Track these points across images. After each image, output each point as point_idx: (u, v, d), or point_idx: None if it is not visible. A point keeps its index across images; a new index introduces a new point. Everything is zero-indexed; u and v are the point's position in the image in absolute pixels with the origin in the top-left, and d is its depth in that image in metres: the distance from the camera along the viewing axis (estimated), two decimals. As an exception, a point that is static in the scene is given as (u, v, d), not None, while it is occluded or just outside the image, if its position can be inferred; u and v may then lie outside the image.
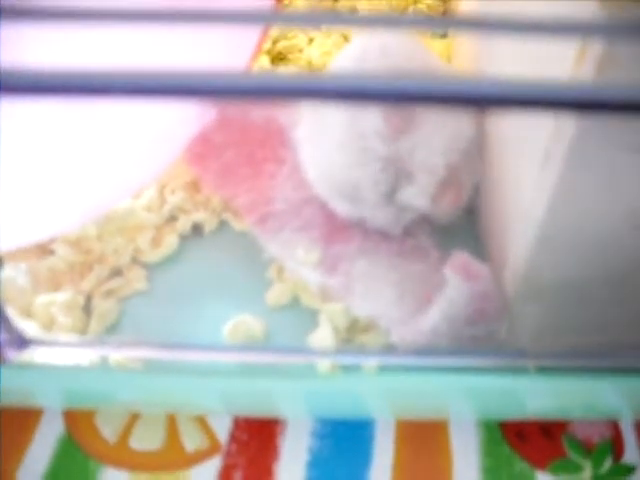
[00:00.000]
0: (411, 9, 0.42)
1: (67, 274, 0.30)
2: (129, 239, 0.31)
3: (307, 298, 0.29)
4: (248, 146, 0.31)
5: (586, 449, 0.28)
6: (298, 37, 0.41)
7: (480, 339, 0.25)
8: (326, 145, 0.28)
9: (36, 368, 0.25)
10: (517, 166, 0.24)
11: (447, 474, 0.27)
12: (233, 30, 0.24)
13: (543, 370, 0.24)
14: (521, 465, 0.28)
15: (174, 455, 0.28)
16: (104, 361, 0.26)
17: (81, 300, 0.29)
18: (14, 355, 0.22)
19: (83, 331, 0.28)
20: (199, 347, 0.23)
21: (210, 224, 0.32)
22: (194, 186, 0.33)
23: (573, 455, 0.28)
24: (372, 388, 0.25)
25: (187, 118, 0.26)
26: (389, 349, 0.26)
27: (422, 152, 0.27)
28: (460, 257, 0.25)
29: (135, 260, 0.31)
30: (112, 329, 0.29)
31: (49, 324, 0.28)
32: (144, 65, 0.12)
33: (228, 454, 0.28)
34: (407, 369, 0.24)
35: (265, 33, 0.28)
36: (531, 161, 0.21)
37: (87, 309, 0.29)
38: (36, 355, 0.24)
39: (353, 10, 0.42)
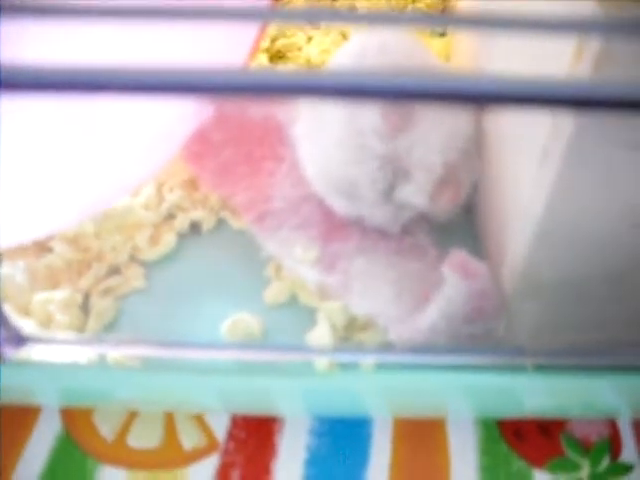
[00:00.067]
0: (410, 7, 0.42)
1: (65, 272, 0.30)
2: (127, 237, 0.31)
3: (305, 296, 0.29)
4: (246, 144, 0.31)
5: (584, 448, 0.28)
6: (297, 35, 0.41)
7: (478, 337, 0.25)
8: (324, 143, 0.28)
9: (34, 366, 0.25)
10: (515, 164, 0.24)
11: (445, 472, 0.27)
12: (231, 28, 0.24)
13: (541, 368, 0.24)
14: (519, 464, 0.28)
15: (172, 453, 0.28)
16: (102, 359, 0.26)
17: (79, 298, 0.29)
18: (11, 353, 0.22)
19: (81, 329, 0.28)
20: (197, 345, 0.23)
21: (208, 222, 0.32)
22: (192, 184, 0.33)
23: (571, 454, 0.28)
24: (370, 386, 0.25)
25: (185, 116, 0.26)
26: (387, 347, 0.26)
27: (420, 150, 0.27)
28: (458, 255, 0.25)
29: (133, 258, 0.31)
30: (110, 327, 0.28)
31: (47, 322, 0.28)
32: (143, 62, 0.12)
33: (226, 452, 0.28)
34: (405, 367, 0.24)
35: (263, 31, 0.27)
36: (529, 159, 0.21)
37: (85, 307, 0.29)
38: (34, 353, 0.24)
39: (352, 8, 0.42)
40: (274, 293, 0.29)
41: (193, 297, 0.29)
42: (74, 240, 0.30)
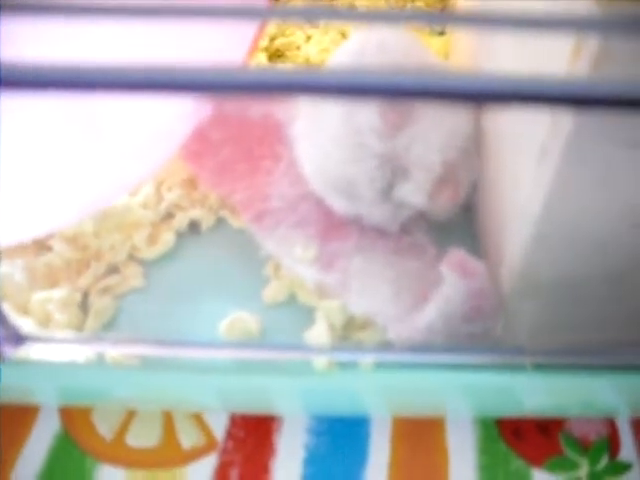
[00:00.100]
0: (409, 6, 0.42)
1: (64, 271, 0.30)
2: (126, 236, 0.31)
3: (304, 295, 0.29)
4: (245, 143, 0.31)
5: (583, 447, 0.28)
6: (296, 34, 0.41)
7: (476, 336, 0.25)
8: (323, 141, 0.28)
9: (33, 365, 0.25)
10: (514, 163, 0.24)
11: (443, 471, 0.27)
12: (230, 26, 0.24)
13: (540, 367, 0.24)
14: (517, 463, 0.28)
15: (170, 452, 0.28)
16: (101, 358, 0.26)
17: (78, 297, 0.29)
18: (10, 352, 0.22)
19: (80, 328, 0.28)
20: (195, 344, 0.23)
21: (207, 221, 0.32)
22: (191, 183, 0.33)
23: (570, 453, 0.28)
24: (368, 385, 0.25)
25: (183, 115, 0.26)
26: (385, 346, 0.26)
27: (419, 149, 0.27)
28: (457, 254, 0.25)
29: (132, 257, 0.31)
30: (109, 326, 0.28)
31: (46, 321, 0.28)
32: (142, 60, 0.12)
33: (224, 451, 0.28)
34: (403, 366, 0.24)
35: (262, 29, 0.27)
36: (528, 158, 0.21)
37: (84, 306, 0.29)
38: (33, 352, 0.24)
39: (351, 7, 0.42)
40: (273, 292, 0.29)
41: (192, 296, 0.29)
42: (73, 239, 0.30)
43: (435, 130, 0.27)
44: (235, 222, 0.31)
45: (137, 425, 0.29)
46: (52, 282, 0.29)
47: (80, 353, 0.26)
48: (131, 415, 0.29)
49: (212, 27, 0.20)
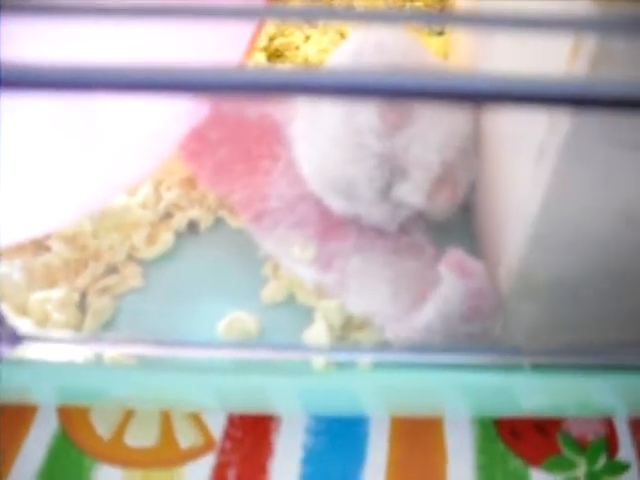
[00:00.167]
0: (408, 6, 0.42)
1: (62, 271, 0.30)
2: (125, 236, 0.31)
3: (302, 295, 0.29)
4: (243, 143, 0.31)
5: (581, 446, 0.28)
6: (295, 34, 0.41)
7: (475, 336, 0.25)
8: (321, 141, 0.28)
9: (31, 365, 0.25)
10: (512, 163, 0.24)
11: (441, 471, 0.27)
12: (226, 26, 0.24)
13: (538, 367, 0.24)
14: (515, 462, 0.28)
15: (168, 452, 0.28)
16: (99, 358, 0.26)
17: (76, 297, 0.29)
18: (8, 352, 0.22)
19: (78, 328, 0.28)
20: (194, 344, 0.23)
21: (206, 221, 0.32)
22: (190, 183, 0.33)
23: (568, 452, 0.28)
24: (366, 385, 0.25)
25: (180, 115, 0.26)
26: (383, 346, 0.26)
27: (417, 149, 0.27)
28: (455, 254, 0.25)
29: (130, 257, 0.31)
30: (107, 326, 0.28)
31: (44, 321, 0.28)
32: (140, 61, 0.12)
33: (222, 451, 0.28)
34: (401, 366, 0.24)
35: (259, 29, 0.27)
36: (526, 158, 0.21)
37: (82, 306, 0.29)
38: (31, 352, 0.24)
39: (350, 7, 0.42)
40: (271, 292, 0.29)
41: (190, 296, 0.29)
42: (71, 239, 0.30)
43: (434, 130, 0.27)
44: (234, 222, 0.31)
45: (135, 425, 0.29)
46: (50, 282, 0.29)
47: (78, 353, 0.26)
48: (129, 415, 0.29)
49: (209, 27, 0.20)
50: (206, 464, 0.28)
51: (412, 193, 0.27)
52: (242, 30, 0.26)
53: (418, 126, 0.27)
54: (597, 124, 0.18)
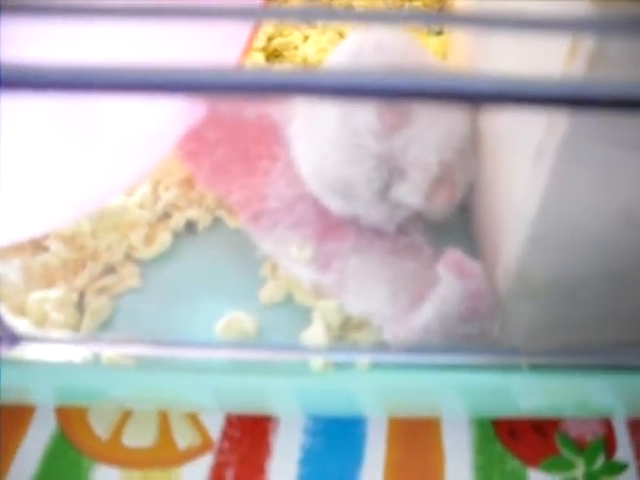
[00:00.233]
0: (407, 6, 0.42)
1: (60, 271, 0.30)
2: (123, 236, 0.31)
3: (300, 295, 0.29)
4: (242, 143, 0.31)
5: (579, 447, 0.28)
6: (293, 34, 0.41)
7: (473, 337, 0.25)
8: (319, 142, 0.28)
9: (29, 365, 0.25)
10: (510, 163, 0.24)
11: (439, 472, 0.27)
12: (224, 26, 0.24)
13: (536, 368, 0.24)
14: (513, 463, 0.28)
15: (166, 452, 0.28)
16: (97, 358, 0.26)
17: (74, 297, 0.29)
18: (6, 352, 0.22)
19: (76, 328, 0.28)
20: (192, 344, 0.23)
21: (204, 221, 0.32)
22: (188, 183, 0.33)
23: (566, 453, 0.28)
24: (364, 386, 0.25)
25: (178, 115, 0.26)
26: (382, 347, 0.26)
27: (416, 149, 0.27)
28: (453, 255, 0.25)
29: (128, 257, 0.31)
30: (105, 326, 0.28)
31: (42, 321, 0.28)
32: (138, 61, 0.11)
33: (220, 451, 0.28)
34: (399, 367, 0.24)
35: (256, 29, 0.27)
36: (524, 158, 0.21)
37: (80, 306, 0.29)
38: (29, 352, 0.24)
39: (349, 7, 0.42)
40: (270, 292, 0.29)
41: (188, 296, 0.29)
42: (70, 239, 0.30)
43: (432, 131, 0.27)
44: (232, 222, 0.31)
45: (133, 425, 0.29)
46: (48, 282, 0.29)
47: (76, 353, 0.26)
48: (127, 415, 0.29)
49: (207, 27, 0.20)
50: (204, 464, 0.28)
51: (410, 193, 0.27)
52: (239, 30, 0.26)
53: (416, 126, 0.27)
54: (595, 124, 0.18)
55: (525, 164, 0.21)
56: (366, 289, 0.27)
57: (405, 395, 0.26)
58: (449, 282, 0.24)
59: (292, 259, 0.28)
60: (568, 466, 0.28)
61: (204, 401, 0.27)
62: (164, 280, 0.30)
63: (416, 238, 0.29)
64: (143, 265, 0.30)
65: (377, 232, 0.29)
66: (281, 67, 0.38)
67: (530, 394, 0.26)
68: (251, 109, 0.32)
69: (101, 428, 0.29)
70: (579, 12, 0.16)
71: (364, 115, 0.27)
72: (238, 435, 0.28)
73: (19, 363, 0.25)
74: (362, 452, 0.28)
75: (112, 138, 0.23)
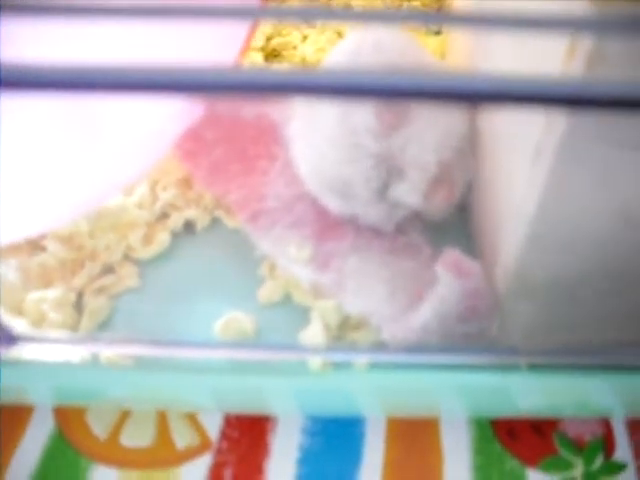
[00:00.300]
0: (405, 5, 0.42)
1: (58, 271, 0.30)
2: (121, 236, 0.31)
3: (299, 295, 0.29)
4: (240, 143, 0.31)
5: (577, 447, 0.28)
6: (292, 34, 0.41)
7: (471, 336, 0.25)
8: (318, 141, 0.28)
9: (27, 365, 0.25)
10: (509, 163, 0.24)
11: (438, 472, 0.27)
12: (221, 26, 0.23)
13: (535, 368, 0.24)
14: (512, 463, 0.28)
15: (164, 452, 0.28)
16: (95, 358, 0.26)
17: (72, 297, 0.29)
18: (4, 352, 0.22)
19: (74, 328, 0.28)
20: (190, 344, 0.23)
21: (202, 221, 0.32)
22: (186, 183, 0.33)
23: (564, 452, 0.28)
24: (363, 386, 0.25)
25: (175, 114, 0.26)
26: (380, 346, 0.26)
27: (414, 149, 0.27)
28: (452, 254, 0.25)
29: (127, 257, 0.31)
30: (103, 326, 0.28)
31: (40, 321, 0.28)
32: (137, 61, 0.11)
33: (219, 451, 0.28)
34: (398, 367, 0.24)
35: (254, 29, 0.27)
36: (523, 158, 0.21)
37: (78, 306, 0.29)
38: (27, 352, 0.24)
39: (347, 6, 0.42)
40: (268, 292, 0.29)
41: (187, 296, 0.29)
42: (68, 239, 0.30)
43: (430, 130, 0.27)
44: (230, 222, 0.31)
45: (131, 425, 0.29)
46: (46, 282, 0.29)
47: (75, 353, 0.25)
48: (125, 415, 0.29)
49: (205, 27, 0.20)
50: (202, 464, 0.28)
51: (409, 193, 0.27)
52: (237, 30, 0.26)
53: (415, 126, 0.27)
54: (593, 124, 0.18)
55: (524, 164, 0.21)
56: (365, 289, 0.27)
57: (404, 395, 0.26)
58: (448, 282, 0.24)
59: (290, 259, 0.28)
60: (567, 466, 0.28)
61: (202, 401, 0.27)
62: (162, 280, 0.30)
63: (415, 238, 0.29)
64: (141, 265, 0.30)
65: (376, 232, 0.29)
66: (280, 67, 0.38)
67: (529, 394, 0.26)
68: (249, 109, 0.32)
69: (99, 428, 0.29)
70: (577, 12, 0.16)
71: (362, 115, 0.27)
72: (236, 435, 0.28)
73: (17, 363, 0.24)
74: (360, 452, 0.28)
75: (110, 138, 0.23)
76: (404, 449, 0.28)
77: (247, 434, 0.28)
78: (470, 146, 0.29)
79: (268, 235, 0.29)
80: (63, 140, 0.22)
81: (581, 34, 0.16)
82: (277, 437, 0.28)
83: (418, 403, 0.27)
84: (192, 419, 0.29)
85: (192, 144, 0.31)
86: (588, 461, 0.28)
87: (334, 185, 0.28)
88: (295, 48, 0.40)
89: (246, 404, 0.28)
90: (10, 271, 0.29)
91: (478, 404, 0.27)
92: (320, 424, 0.29)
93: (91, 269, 0.29)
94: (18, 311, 0.28)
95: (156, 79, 0.11)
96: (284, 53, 0.40)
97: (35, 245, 0.30)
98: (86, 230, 0.30)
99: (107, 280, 0.29)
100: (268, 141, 0.31)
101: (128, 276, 0.30)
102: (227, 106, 0.32)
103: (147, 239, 0.31)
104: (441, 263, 0.25)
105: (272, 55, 0.40)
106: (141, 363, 0.26)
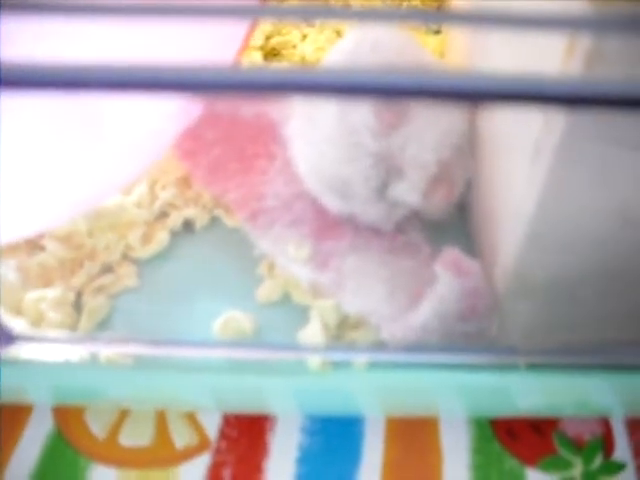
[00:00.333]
0: (405, 4, 0.42)
1: (57, 270, 0.29)
2: (120, 235, 0.31)
3: (298, 294, 0.29)
4: (239, 142, 0.31)
5: (577, 446, 0.28)
6: (291, 33, 0.41)
7: (471, 336, 0.25)
8: (317, 140, 0.28)
9: (26, 365, 0.25)
10: (508, 162, 0.24)
11: (437, 471, 0.27)
12: (220, 25, 0.23)
13: (534, 367, 0.24)
14: (511, 462, 0.28)
15: (163, 452, 0.28)
16: (94, 357, 0.26)
17: (71, 296, 0.29)
18: (2, 351, 0.22)
19: (73, 327, 0.28)
20: (189, 343, 0.23)
21: (201, 220, 0.32)
22: (185, 182, 0.33)
23: (563, 452, 0.28)
24: (362, 385, 0.25)
25: (175, 113, 0.26)
26: (379, 346, 0.26)
27: (413, 148, 0.27)
28: (451, 253, 0.25)
29: (126, 256, 0.30)
30: (102, 325, 0.28)
31: (39, 320, 0.28)
32: (135, 60, 0.11)
33: (217, 451, 0.28)
34: (397, 366, 0.24)
35: (253, 28, 0.27)
36: (522, 157, 0.21)
37: (77, 305, 0.29)
38: (26, 352, 0.24)
39: (346, 5, 0.42)
40: (267, 291, 0.29)
41: (186, 295, 0.29)
42: (66, 238, 0.30)
43: (430, 129, 0.27)
44: (229, 221, 0.31)
45: (130, 425, 0.29)
46: (45, 282, 0.29)
47: (74, 353, 0.25)
48: (124, 414, 0.29)
49: (204, 26, 0.20)
50: (201, 464, 0.28)
51: (408, 192, 0.27)
52: (236, 28, 0.26)
53: (414, 125, 0.27)
54: (592, 123, 0.18)
55: (523, 163, 0.21)
56: (364, 288, 0.27)
57: (403, 394, 0.26)
58: (447, 281, 0.24)
59: (289, 258, 0.28)
60: (566, 465, 0.28)
61: (201, 400, 0.27)
62: (161, 279, 0.30)
63: (414, 237, 0.29)
64: (140, 264, 0.30)
65: (375, 231, 0.29)
66: (279, 66, 0.38)
67: (528, 393, 0.26)
68: (248, 108, 0.32)
69: (98, 427, 0.29)
70: (576, 11, 0.16)
71: (362, 114, 0.27)
72: (235, 434, 0.28)
73: (16, 363, 0.24)
74: (360, 451, 0.28)
75: (109, 137, 0.23)
76: (403, 448, 0.28)
77: (246, 433, 0.28)
78: (469, 145, 0.29)
79: (267, 234, 0.29)
80: (62, 139, 0.22)
81: (580, 33, 0.16)
82: (276, 436, 0.28)
83: (417, 402, 0.27)
84: (191, 418, 0.29)
85: (191, 143, 0.31)
86: (587, 460, 0.28)
87: (333, 184, 0.28)
88: (294, 47, 0.40)
89: (245, 403, 0.28)
90: (9, 271, 0.29)
91: (477, 403, 0.27)
92: (319, 423, 0.29)
93: (90, 268, 0.29)
94: (17, 310, 0.28)
95: (155, 78, 0.11)
96: (283, 52, 0.40)
97: (34, 244, 0.30)
98: (85, 229, 0.30)
99: (106, 279, 0.29)
100: (267, 140, 0.31)
101: (127, 275, 0.30)
102: (226, 105, 0.32)
103: (146, 238, 0.31)
104: (440, 262, 0.25)
105: (271, 54, 0.40)
106: (140, 362, 0.26)
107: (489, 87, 0.11)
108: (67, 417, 0.29)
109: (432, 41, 0.39)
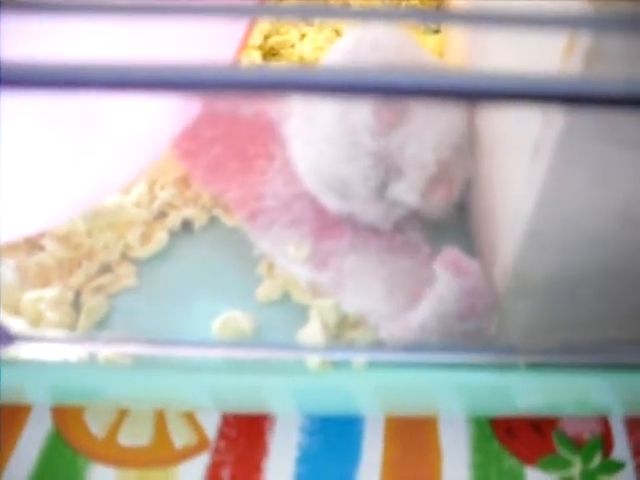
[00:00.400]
0: (404, 4, 0.42)
1: (56, 270, 0.29)
2: (119, 235, 0.31)
3: (297, 294, 0.29)
4: (238, 141, 0.31)
5: (576, 445, 0.28)
6: (290, 32, 0.41)
7: (470, 335, 0.25)
8: (316, 140, 0.28)
9: (25, 364, 0.25)
10: (507, 161, 0.24)
11: (436, 470, 0.27)
12: (219, 24, 0.23)
13: (533, 366, 0.24)
14: (510, 461, 0.28)
15: (162, 451, 0.28)
16: (93, 357, 0.26)
17: (70, 296, 0.29)
18: (1, 351, 0.22)
19: (72, 327, 0.28)
20: (188, 343, 0.23)
21: (200, 220, 0.32)
22: (184, 182, 0.33)
23: (563, 451, 0.28)
24: (361, 384, 0.25)
25: (173, 113, 0.26)
26: (378, 345, 0.26)
27: (412, 147, 0.27)
28: (450, 253, 0.25)
29: (125, 256, 0.30)
30: (101, 325, 0.28)
31: (37, 320, 0.28)
32: (135, 59, 0.11)
33: (217, 450, 0.28)
34: (396, 365, 0.24)
35: (251, 27, 0.27)
36: (521, 156, 0.21)
37: (76, 305, 0.29)
38: (25, 352, 0.24)
39: (346, 5, 0.42)
40: (266, 291, 0.29)
41: (185, 295, 0.29)
42: (65, 238, 0.30)
43: (429, 129, 0.27)
44: (228, 221, 0.31)
45: (129, 424, 0.29)
46: (44, 281, 0.29)
47: (72, 352, 0.25)
48: (123, 414, 0.29)
49: (202, 25, 0.20)
50: (200, 463, 0.28)
51: (407, 192, 0.27)
52: (235, 28, 0.26)
53: (413, 124, 0.27)
54: (592, 122, 0.18)
55: (522, 162, 0.21)
56: (363, 287, 0.27)
57: (402, 394, 0.26)
58: (446, 280, 0.24)
59: (289, 258, 0.28)
60: (565, 464, 0.28)
61: (200, 400, 0.27)
62: (160, 279, 0.30)
63: (413, 236, 0.29)
64: (139, 264, 0.30)
65: (374, 230, 0.29)
66: (277, 65, 0.38)
67: (527, 392, 0.26)
68: (247, 107, 0.32)
69: (97, 427, 0.29)
70: (576, 10, 0.16)
71: (361, 113, 0.27)
72: (235, 434, 0.28)
73: (15, 363, 0.24)
74: (359, 451, 0.28)
75: (108, 137, 0.23)
76: (403, 448, 0.28)
77: (245, 433, 0.28)
78: (469, 144, 0.29)
79: (266, 234, 0.29)
80: (60, 139, 0.22)
81: (579, 32, 0.16)
82: (275, 436, 0.28)
83: (416, 402, 0.27)
84: (190, 418, 0.29)
85: (190, 143, 0.31)
86: (586, 459, 0.28)
87: (332, 184, 0.28)
88: (293, 46, 0.40)
89: (244, 403, 0.28)
90: (8, 270, 0.29)
91: (477, 403, 0.27)
92: (318, 423, 0.29)
93: (89, 268, 0.29)
94: (15, 310, 0.28)
95: (155, 77, 0.11)
96: (282, 51, 0.40)
97: (33, 244, 0.30)
98: (84, 229, 0.30)
99: (105, 279, 0.29)
100: (266, 140, 0.31)
101: (126, 275, 0.30)
102: (225, 105, 0.32)
103: (145, 238, 0.31)
104: (439, 262, 0.25)
105: (270, 53, 0.40)
106: (139, 362, 0.26)
107: (488, 86, 0.11)
108: (66, 417, 0.29)
109: (431, 40, 0.39)
